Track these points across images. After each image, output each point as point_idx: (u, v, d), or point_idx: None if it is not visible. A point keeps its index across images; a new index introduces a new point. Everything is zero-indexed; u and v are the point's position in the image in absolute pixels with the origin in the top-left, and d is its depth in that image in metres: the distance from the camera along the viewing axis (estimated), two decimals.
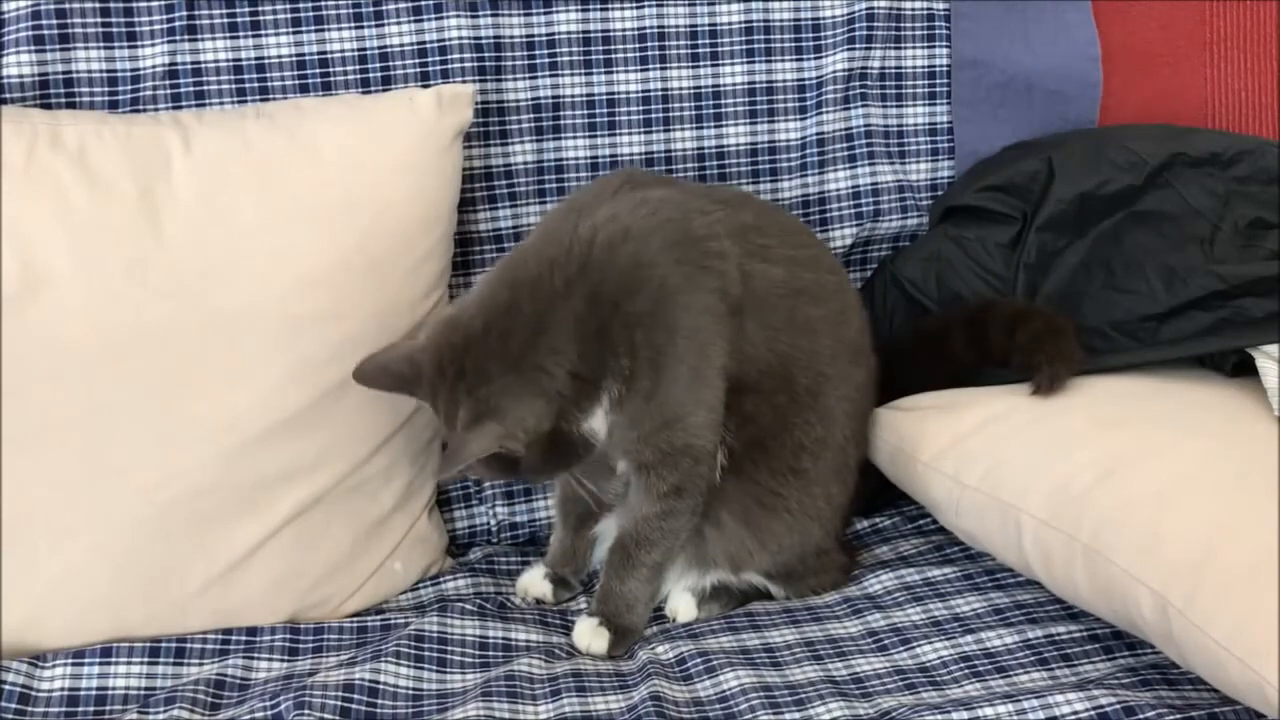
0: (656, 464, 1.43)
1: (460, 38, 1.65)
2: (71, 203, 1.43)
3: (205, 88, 1.60)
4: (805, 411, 1.50)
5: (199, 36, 1.59)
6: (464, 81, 1.64)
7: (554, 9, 1.69)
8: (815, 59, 1.77)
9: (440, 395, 1.40)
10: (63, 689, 1.36)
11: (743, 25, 1.75)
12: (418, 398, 1.45)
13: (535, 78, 1.69)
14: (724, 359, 1.43)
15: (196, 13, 1.59)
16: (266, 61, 1.61)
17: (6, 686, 1.35)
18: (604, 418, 1.42)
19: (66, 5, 1.55)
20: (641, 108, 1.73)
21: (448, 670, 1.40)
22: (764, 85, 1.76)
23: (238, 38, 1.60)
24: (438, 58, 1.64)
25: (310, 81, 1.62)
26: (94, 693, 1.37)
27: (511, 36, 1.68)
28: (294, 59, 1.62)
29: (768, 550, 1.52)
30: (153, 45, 1.58)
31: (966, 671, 1.37)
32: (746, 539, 1.51)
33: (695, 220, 1.44)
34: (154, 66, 1.58)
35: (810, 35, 1.76)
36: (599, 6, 1.70)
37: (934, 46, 1.82)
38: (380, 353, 1.45)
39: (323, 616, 1.52)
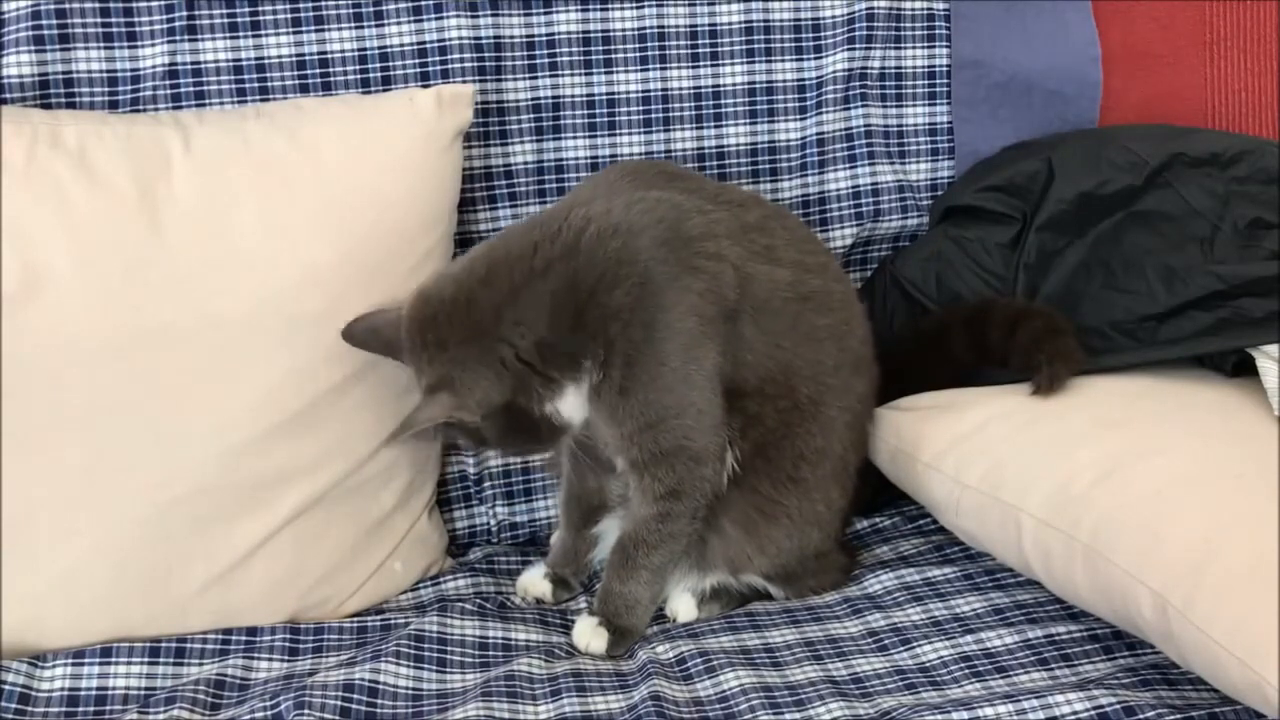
0: (650, 464, 1.43)
1: (460, 38, 1.65)
2: (71, 203, 1.42)
3: (205, 88, 1.60)
4: (807, 421, 1.49)
5: (199, 36, 1.59)
6: (464, 81, 1.64)
7: (554, 9, 1.69)
8: (815, 59, 1.77)
9: (412, 363, 1.42)
10: (63, 689, 1.36)
11: (743, 25, 1.75)
12: (402, 362, 1.45)
13: (535, 78, 1.69)
14: (716, 361, 1.42)
15: (196, 13, 1.58)
16: (266, 61, 1.61)
17: (6, 686, 1.35)
18: (576, 404, 1.42)
19: (66, 5, 1.55)
20: (641, 108, 1.73)
21: (448, 670, 1.40)
22: (764, 85, 1.76)
23: (238, 38, 1.60)
24: (438, 58, 1.64)
25: (310, 81, 1.62)
26: (94, 693, 1.37)
27: (511, 36, 1.68)
28: (294, 59, 1.62)
29: (767, 554, 1.52)
30: (153, 45, 1.58)
31: (966, 671, 1.37)
32: (746, 544, 1.51)
33: (691, 220, 1.44)
34: (154, 66, 1.58)
35: (810, 35, 1.76)
36: (599, 6, 1.70)
37: (934, 46, 1.82)
38: (370, 315, 1.46)
39: (323, 616, 1.52)
